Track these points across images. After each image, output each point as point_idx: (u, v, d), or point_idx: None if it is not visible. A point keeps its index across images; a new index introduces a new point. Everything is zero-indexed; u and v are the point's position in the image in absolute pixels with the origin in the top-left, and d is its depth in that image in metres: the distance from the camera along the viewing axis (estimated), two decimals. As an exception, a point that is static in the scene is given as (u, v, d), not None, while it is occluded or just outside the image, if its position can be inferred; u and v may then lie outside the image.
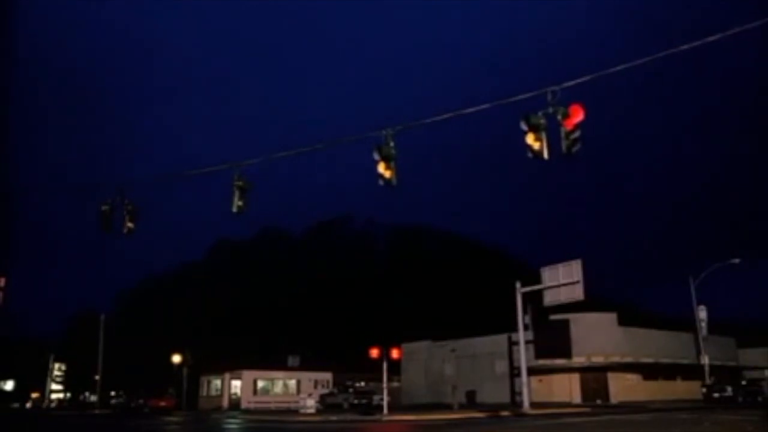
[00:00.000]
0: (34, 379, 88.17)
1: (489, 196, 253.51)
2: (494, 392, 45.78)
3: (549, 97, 11.70)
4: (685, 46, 11.16)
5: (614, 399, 42.04)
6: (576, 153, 11.52)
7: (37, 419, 41.87)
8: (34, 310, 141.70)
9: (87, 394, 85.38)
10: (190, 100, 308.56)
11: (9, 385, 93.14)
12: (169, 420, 33.81)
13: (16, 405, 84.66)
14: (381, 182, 13.23)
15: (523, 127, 11.74)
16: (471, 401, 44.87)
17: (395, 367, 48.64)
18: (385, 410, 30.79)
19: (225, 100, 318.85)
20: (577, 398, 42.83)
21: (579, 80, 11.73)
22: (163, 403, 50.67)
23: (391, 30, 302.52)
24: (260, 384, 55.85)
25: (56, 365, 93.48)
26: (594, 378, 43.30)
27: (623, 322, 45.73)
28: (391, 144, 13.21)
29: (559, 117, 11.51)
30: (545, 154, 11.67)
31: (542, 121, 11.64)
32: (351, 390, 47.09)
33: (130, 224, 16.12)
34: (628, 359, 43.91)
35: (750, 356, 56.41)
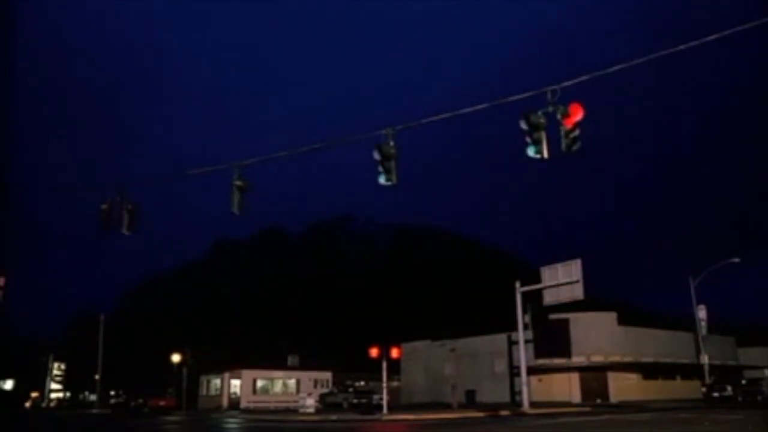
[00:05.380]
0: (33, 378, 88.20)
1: (489, 196, 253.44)
2: (494, 392, 45.78)
3: (549, 96, 11.69)
4: (683, 46, 11.16)
5: (614, 398, 42.04)
6: (575, 152, 11.52)
7: (35, 419, 41.87)
8: (34, 310, 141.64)
9: (87, 393, 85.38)
10: (190, 100, 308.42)
11: (9, 385, 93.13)
12: (168, 420, 33.79)
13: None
14: (381, 181, 13.21)
15: (523, 126, 11.73)
16: (470, 401, 44.86)
17: (395, 367, 48.66)
18: (385, 410, 30.78)
19: (225, 101, 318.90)
20: (576, 398, 42.82)
21: (579, 79, 11.72)
22: (162, 403, 50.64)
23: (391, 30, 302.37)
24: (260, 383, 55.84)
25: (56, 365, 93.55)
26: (594, 377, 43.29)
27: (623, 321, 45.72)
28: (391, 143, 13.20)
29: (559, 116, 11.50)
30: (545, 154, 11.66)
31: (542, 120, 11.63)
32: (351, 389, 47.09)
33: (129, 224, 16.10)
34: (628, 359, 43.91)
35: (750, 356, 56.44)
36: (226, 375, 55.94)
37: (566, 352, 41.44)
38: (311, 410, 36.94)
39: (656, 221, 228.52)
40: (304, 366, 59.47)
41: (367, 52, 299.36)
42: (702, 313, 43.61)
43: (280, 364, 58.93)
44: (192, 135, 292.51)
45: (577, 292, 29.80)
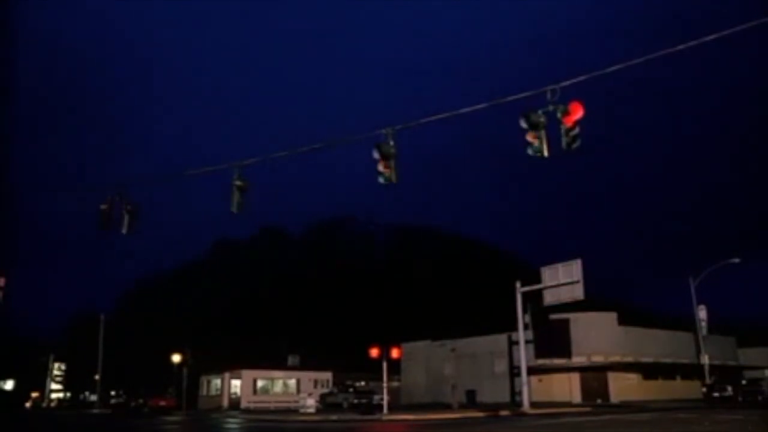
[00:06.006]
0: (34, 378, 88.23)
1: (489, 195, 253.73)
2: (494, 392, 45.77)
3: (548, 95, 11.67)
4: (683, 46, 11.15)
5: (614, 398, 42.02)
6: (575, 150, 11.51)
7: (35, 419, 41.85)
8: (34, 310, 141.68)
9: (87, 393, 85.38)
10: (190, 100, 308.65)
11: (9, 385, 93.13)
12: (168, 420, 33.78)
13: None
14: (381, 180, 13.19)
15: (523, 125, 11.72)
16: (471, 401, 44.86)
17: (395, 367, 48.63)
18: (385, 410, 30.77)
19: (225, 101, 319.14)
20: (577, 398, 42.81)
21: (578, 79, 11.71)
22: (162, 403, 50.60)
23: (391, 30, 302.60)
24: (260, 383, 55.82)
25: (56, 365, 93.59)
26: (594, 377, 43.28)
27: (623, 321, 45.72)
28: (391, 143, 13.19)
29: (559, 115, 11.49)
30: (545, 152, 11.65)
31: (542, 119, 11.62)
32: (351, 389, 47.09)
33: (129, 224, 16.08)
34: (628, 359, 43.91)
35: (750, 356, 56.39)
36: (226, 375, 55.92)
37: (566, 352, 41.40)
38: (311, 410, 36.92)
39: (656, 221, 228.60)
40: (304, 366, 59.44)
41: (367, 52, 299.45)
42: (702, 313, 43.59)
43: (280, 364, 58.89)
44: (192, 135, 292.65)
45: (578, 292, 29.81)
